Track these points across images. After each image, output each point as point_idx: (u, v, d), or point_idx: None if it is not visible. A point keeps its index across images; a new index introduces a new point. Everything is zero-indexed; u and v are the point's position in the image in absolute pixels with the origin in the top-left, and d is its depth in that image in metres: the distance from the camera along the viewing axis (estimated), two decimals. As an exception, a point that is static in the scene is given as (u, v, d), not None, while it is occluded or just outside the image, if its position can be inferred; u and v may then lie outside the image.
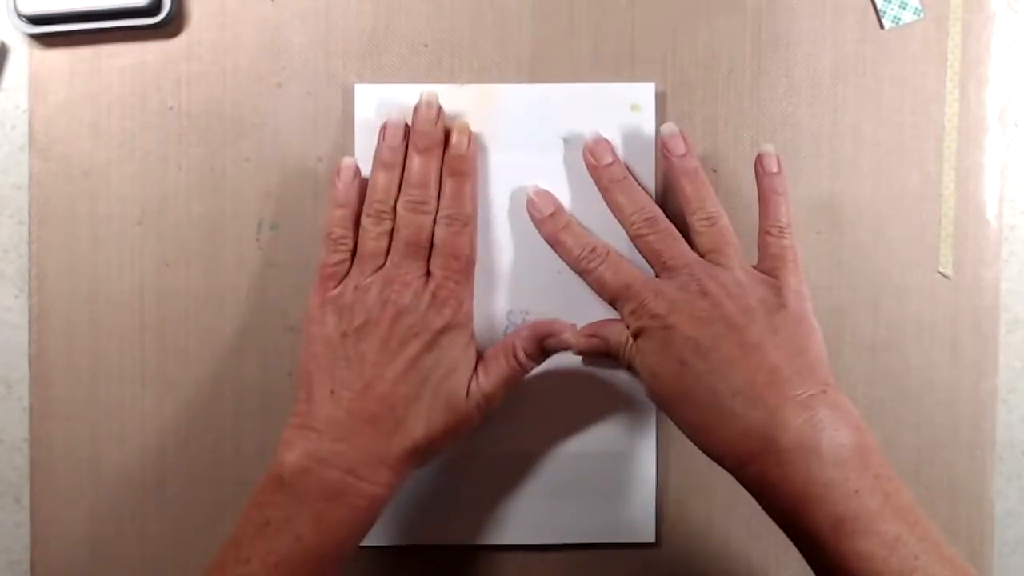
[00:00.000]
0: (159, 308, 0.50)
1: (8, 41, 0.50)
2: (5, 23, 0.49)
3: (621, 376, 0.49)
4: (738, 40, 0.50)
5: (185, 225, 0.50)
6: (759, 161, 0.46)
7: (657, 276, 0.44)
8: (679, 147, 0.46)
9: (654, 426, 0.49)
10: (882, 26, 0.49)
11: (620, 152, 0.48)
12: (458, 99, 0.48)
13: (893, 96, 0.50)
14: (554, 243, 0.47)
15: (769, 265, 0.44)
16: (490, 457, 0.49)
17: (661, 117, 0.49)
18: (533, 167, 0.48)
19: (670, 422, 0.43)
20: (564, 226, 0.47)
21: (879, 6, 0.49)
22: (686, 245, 0.44)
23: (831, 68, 0.50)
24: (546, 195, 0.48)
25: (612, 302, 0.45)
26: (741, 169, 0.49)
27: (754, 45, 0.50)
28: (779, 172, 0.46)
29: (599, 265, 0.45)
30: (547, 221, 0.47)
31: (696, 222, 0.45)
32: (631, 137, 0.48)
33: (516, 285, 0.49)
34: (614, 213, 0.46)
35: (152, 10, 0.48)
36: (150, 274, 0.50)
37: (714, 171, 0.50)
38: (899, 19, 0.49)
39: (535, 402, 0.49)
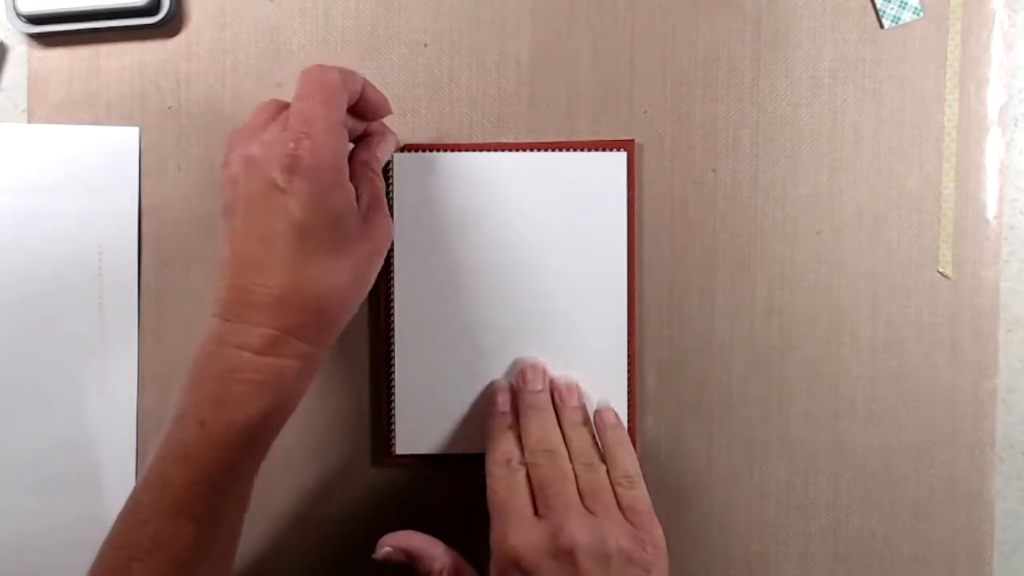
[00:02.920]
0: (159, 308, 0.50)
1: (8, 41, 0.50)
2: (5, 23, 0.49)
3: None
4: (738, 40, 0.50)
5: (185, 225, 0.50)
6: (598, 417, 0.47)
7: (535, 507, 0.43)
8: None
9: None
10: (882, 26, 0.49)
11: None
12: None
13: (893, 96, 0.50)
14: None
15: (628, 516, 0.43)
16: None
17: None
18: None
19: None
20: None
21: (879, 6, 0.49)
22: (574, 489, 0.43)
23: (831, 68, 0.50)
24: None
25: (489, 506, 0.43)
26: (741, 169, 0.49)
27: (754, 45, 0.50)
28: (617, 423, 0.47)
29: (515, 472, 0.44)
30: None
31: (576, 465, 0.44)
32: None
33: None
34: (521, 436, 0.45)
35: (151, 10, 0.48)
36: (150, 274, 0.50)
37: (713, 171, 0.50)
38: (899, 19, 0.49)
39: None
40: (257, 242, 0.38)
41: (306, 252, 0.38)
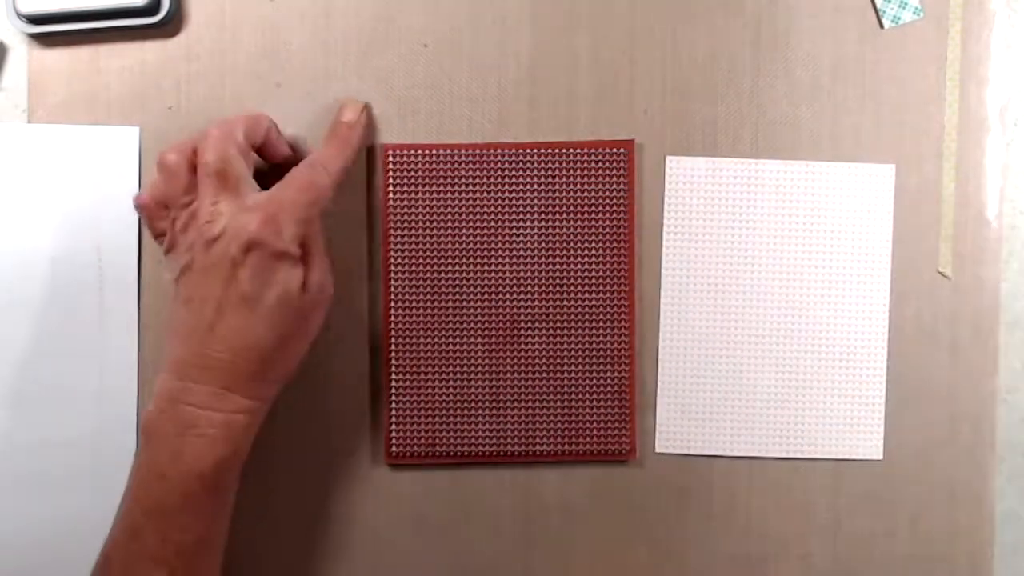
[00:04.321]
0: (159, 308, 0.50)
1: (8, 41, 0.50)
2: (4, 23, 0.49)
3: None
4: (738, 40, 0.50)
5: (185, 225, 0.50)
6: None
7: None
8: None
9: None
10: (882, 26, 0.49)
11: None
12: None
13: (893, 96, 0.50)
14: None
15: None
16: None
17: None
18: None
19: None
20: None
21: (879, 6, 0.49)
22: None
23: (831, 68, 0.50)
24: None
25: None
26: (741, 169, 0.49)
27: (754, 45, 0.50)
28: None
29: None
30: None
31: None
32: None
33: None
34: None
35: (151, 10, 0.48)
36: (150, 274, 0.50)
37: (714, 171, 0.50)
38: (899, 19, 0.49)
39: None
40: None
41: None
